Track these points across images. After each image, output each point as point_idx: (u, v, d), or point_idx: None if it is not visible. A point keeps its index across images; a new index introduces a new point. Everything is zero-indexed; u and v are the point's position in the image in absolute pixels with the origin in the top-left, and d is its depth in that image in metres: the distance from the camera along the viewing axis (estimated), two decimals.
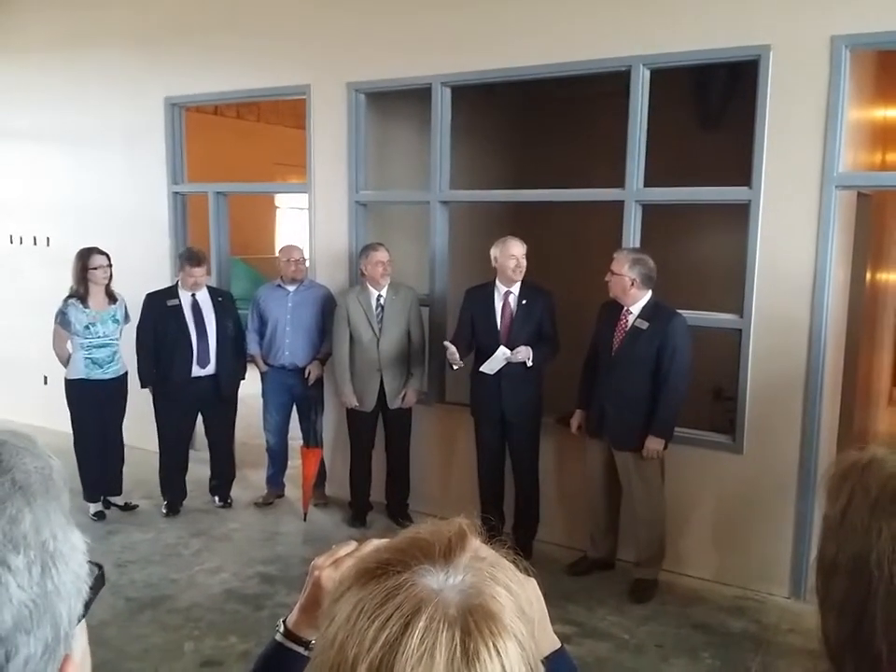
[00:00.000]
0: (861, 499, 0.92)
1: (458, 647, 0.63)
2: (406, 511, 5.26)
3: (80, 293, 5.13)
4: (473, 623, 0.65)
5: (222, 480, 5.61)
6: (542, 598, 0.85)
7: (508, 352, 4.53)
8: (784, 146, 4.12)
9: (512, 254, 4.58)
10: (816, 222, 4.09)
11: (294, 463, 5.70)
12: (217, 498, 5.58)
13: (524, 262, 4.60)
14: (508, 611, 0.67)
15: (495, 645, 0.64)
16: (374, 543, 0.87)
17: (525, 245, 4.64)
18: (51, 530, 0.58)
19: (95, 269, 5.14)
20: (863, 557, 0.90)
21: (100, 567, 0.62)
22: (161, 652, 3.74)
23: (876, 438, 6.08)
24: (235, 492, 5.68)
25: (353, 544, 1.06)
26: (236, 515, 5.46)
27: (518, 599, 0.70)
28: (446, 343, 4.62)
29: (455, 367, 4.67)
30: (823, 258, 4.10)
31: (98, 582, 0.62)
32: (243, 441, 6.08)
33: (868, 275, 5.66)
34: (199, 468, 5.65)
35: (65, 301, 5.16)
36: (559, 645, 0.99)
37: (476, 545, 0.73)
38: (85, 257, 5.16)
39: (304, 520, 5.34)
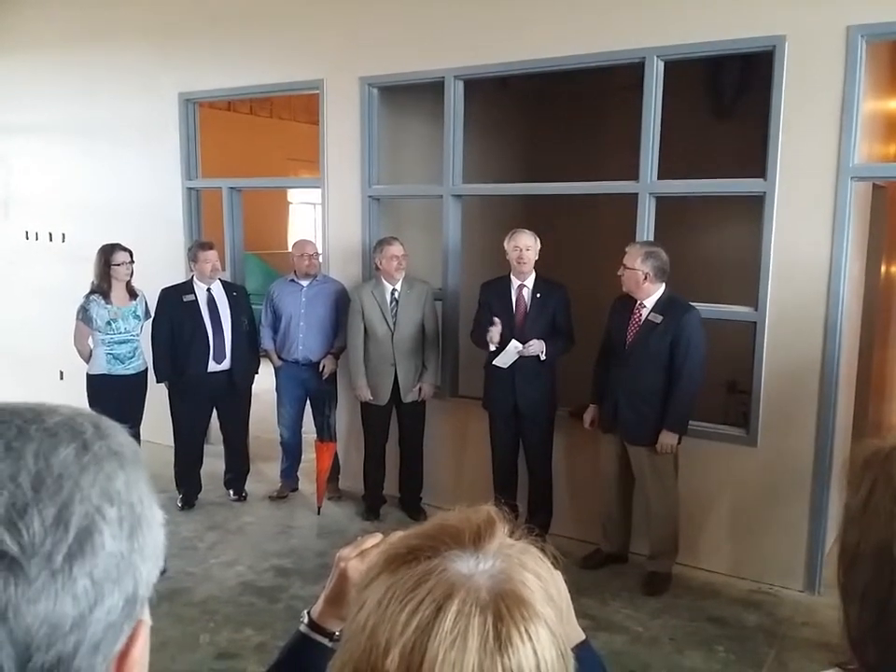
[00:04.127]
0: (883, 488, 0.92)
1: (491, 631, 0.64)
2: (419, 505, 5.28)
3: (103, 289, 5.17)
4: (505, 607, 0.65)
5: (237, 473, 5.64)
6: (566, 589, 0.86)
7: (519, 345, 4.53)
8: (799, 137, 4.10)
9: (516, 245, 4.58)
10: (831, 214, 4.07)
11: (308, 457, 5.72)
12: (231, 492, 5.62)
13: (527, 255, 4.57)
14: (538, 597, 0.68)
15: (527, 630, 0.65)
16: (401, 533, 0.87)
17: (534, 237, 4.63)
18: (139, 495, 0.61)
19: (118, 265, 5.17)
20: (886, 546, 0.90)
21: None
22: (177, 645, 3.76)
23: (892, 430, 6.05)
24: (250, 486, 5.71)
25: (378, 536, 1.06)
26: (251, 509, 5.49)
27: (547, 586, 0.70)
28: (496, 319, 4.56)
29: (492, 346, 4.60)
30: (839, 250, 4.08)
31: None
32: (257, 436, 6.11)
33: (883, 268, 5.63)
34: (214, 462, 5.68)
35: (87, 297, 5.20)
36: (584, 637, 0.99)
37: (504, 532, 0.73)
38: (108, 252, 5.19)
39: (318, 513, 5.37)
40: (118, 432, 0.63)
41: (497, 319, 4.58)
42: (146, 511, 0.61)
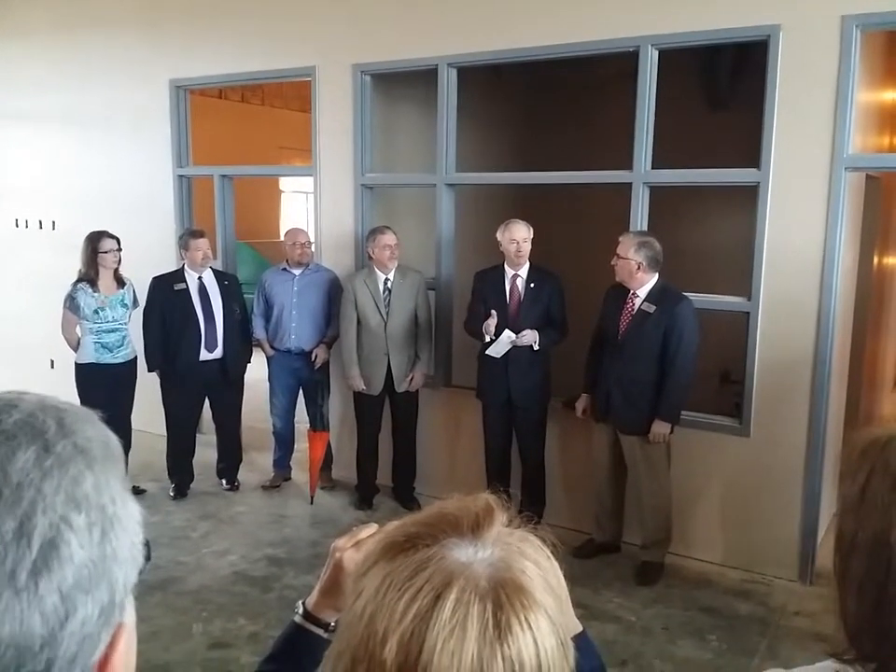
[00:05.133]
0: (880, 477, 0.92)
1: (490, 619, 0.63)
2: (412, 494, 5.28)
3: (90, 277, 5.13)
4: (505, 595, 0.65)
5: (229, 463, 5.62)
6: (563, 579, 0.85)
7: (513, 335, 4.53)
8: (793, 127, 4.09)
9: (514, 238, 4.57)
10: (825, 204, 4.07)
11: (301, 446, 5.71)
12: (224, 481, 5.60)
13: (525, 246, 4.58)
14: (538, 585, 0.67)
15: (526, 618, 0.64)
16: (398, 521, 0.87)
17: (529, 228, 4.62)
18: (111, 495, 0.58)
19: (106, 253, 5.14)
20: (883, 535, 0.89)
21: (146, 541, 0.62)
22: (169, 634, 3.76)
23: (883, 420, 6.07)
24: (242, 475, 5.69)
25: (374, 526, 1.05)
26: (243, 498, 5.48)
27: (547, 574, 0.70)
28: (493, 312, 4.55)
29: (487, 338, 4.60)
30: (832, 240, 4.08)
31: (145, 555, 0.63)
32: (249, 425, 6.10)
33: (876, 258, 5.64)
34: (206, 451, 5.67)
35: (74, 285, 5.16)
36: (581, 629, 0.98)
37: (503, 520, 0.72)
38: (95, 240, 5.15)
39: (311, 503, 5.36)
40: (86, 425, 0.60)
41: (493, 312, 4.57)
42: (119, 511, 0.58)
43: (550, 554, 0.73)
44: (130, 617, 0.61)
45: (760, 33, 4.13)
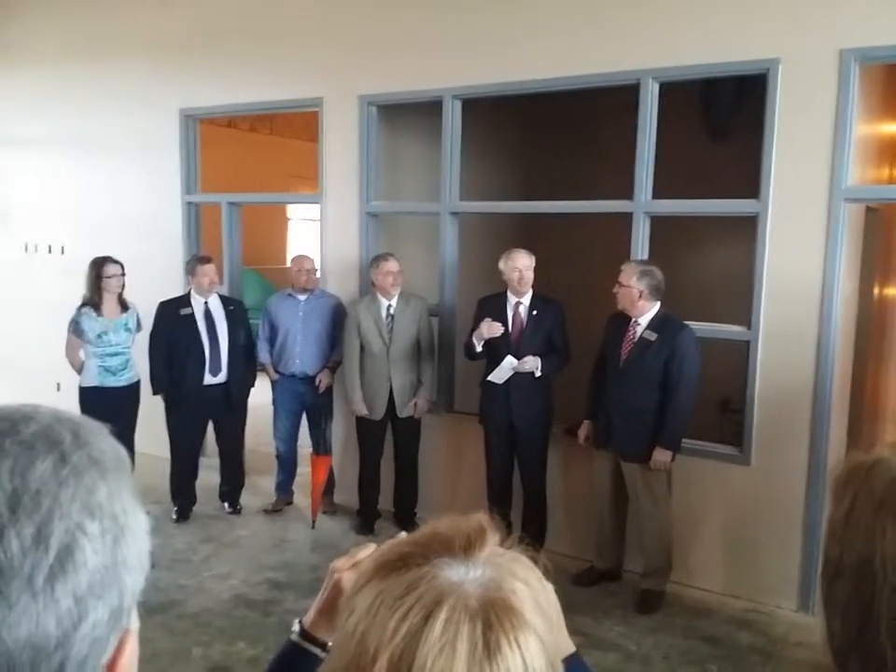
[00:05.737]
0: (865, 501, 0.93)
1: (480, 639, 0.64)
2: (414, 519, 5.27)
3: (94, 301, 5.19)
4: (494, 615, 0.65)
5: (232, 486, 5.64)
6: (556, 599, 0.86)
7: (515, 361, 4.56)
8: (793, 158, 4.14)
9: (516, 266, 4.62)
10: (824, 235, 4.11)
11: (303, 470, 5.72)
12: (226, 505, 5.62)
13: (528, 274, 4.63)
14: (527, 606, 0.68)
15: (516, 638, 0.65)
16: (392, 540, 0.88)
17: (531, 257, 4.67)
18: (122, 504, 0.60)
19: (109, 278, 5.19)
20: (868, 559, 0.91)
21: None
22: (169, 657, 3.76)
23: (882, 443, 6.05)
24: (245, 499, 5.70)
25: (372, 546, 1.05)
26: (245, 522, 5.49)
27: (537, 595, 0.70)
28: (488, 319, 4.60)
29: (478, 347, 4.64)
30: (832, 270, 4.11)
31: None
32: (252, 449, 6.11)
33: (876, 289, 5.66)
34: (209, 474, 5.68)
35: (78, 309, 5.22)
36: (574, 649, 0.98)
37: (495, 541, 0.73)
38: (99, 265, 5.22)
39: (313, 527, 5.36)
40: (99, 438, 0.62)
41: (489, 319, 4.59)
42: (129, 521, 0.60)
43: (541, 575, 0.74)
44: (135, 623, 0.63)
45: (759, 66, 4.19)
